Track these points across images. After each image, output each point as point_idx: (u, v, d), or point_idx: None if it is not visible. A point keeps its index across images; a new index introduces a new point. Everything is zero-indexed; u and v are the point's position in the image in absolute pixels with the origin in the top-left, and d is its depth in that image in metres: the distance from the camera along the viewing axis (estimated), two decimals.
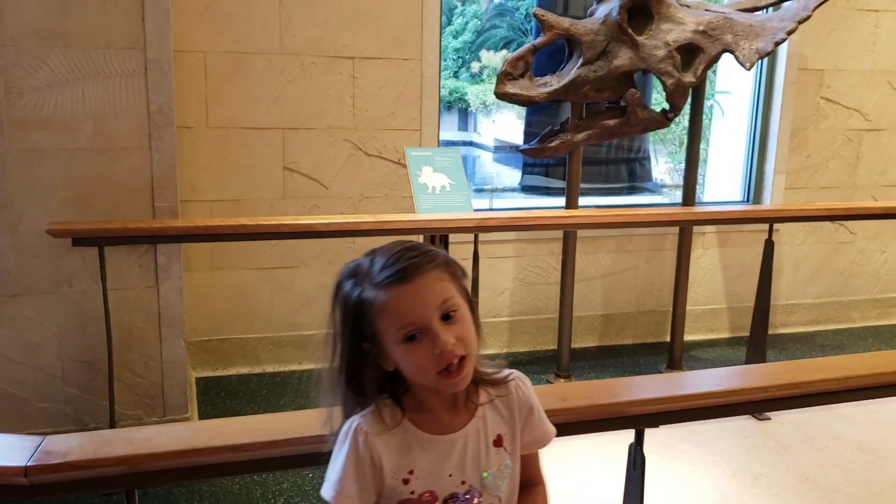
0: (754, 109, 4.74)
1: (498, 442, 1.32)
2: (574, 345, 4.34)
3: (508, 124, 9.86)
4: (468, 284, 1.32)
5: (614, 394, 1.61)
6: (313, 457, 1.44)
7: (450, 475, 1.28)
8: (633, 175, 4.96)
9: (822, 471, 3.30)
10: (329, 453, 1.31)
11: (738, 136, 4.85)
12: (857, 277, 5.07)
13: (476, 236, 3.48)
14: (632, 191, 4.97)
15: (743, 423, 3.73)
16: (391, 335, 1.22)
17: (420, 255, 1.25)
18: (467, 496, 1.29)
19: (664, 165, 6.71)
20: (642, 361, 4.49)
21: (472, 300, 1.30)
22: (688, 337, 4.61)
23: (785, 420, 3.77)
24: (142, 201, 3.07)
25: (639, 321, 4.71)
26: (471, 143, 10.44)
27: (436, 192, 3.60)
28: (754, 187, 4.78)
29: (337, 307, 1.27)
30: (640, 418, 1.60)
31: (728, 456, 3.40)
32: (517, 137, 9.40)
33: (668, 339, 4.60)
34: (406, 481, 1.27)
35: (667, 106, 3.72)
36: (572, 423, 1.55)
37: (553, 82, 3.53)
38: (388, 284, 1.22)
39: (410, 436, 1.28)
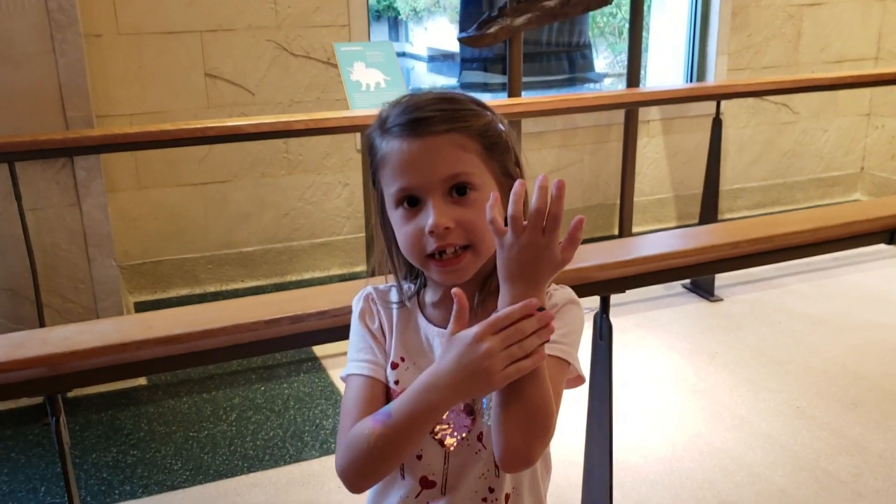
0: None
1: None
2: None
3: (441, 32, 9.55)
4: (520, 166, 1.08)
5: (579, 259, 1.50)
6: (254, 346, 1.31)
7: None
8: (574, 66, 4.81)
9: (777, 344, 3.30)
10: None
11: (679, 20, 4.71)
12: (801, 158, 5.06)
13: None
14: (573, 83, 4.83)
15: (696, 305, 3.71)
16: (388, 193, 1.04)
17: (448, 110, 1.02)
18: (452, 416, 1.07)
19: (604, 61, 6.56)
20: None
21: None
22: (635, 228, 4.56)
23: (737, 300, 3.77)
24: (51, 112, 2.82)
25: (586, 216, 4.60)
26: (403, 54, 10.12)
27: (370, 89, 3.41)
28: (697, 71, 4.68)
29: None
30: (606, 284, 1.50)
31: (683, 337, 3.38)
32: (451, 45, 9.11)
33: (616, 232, 4.56)
34: (395, 366, 1.09)
35: None
36: None
37: None
38: (397, 133, 1.02)
39: (414, 320, 1.11)
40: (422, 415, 0.94)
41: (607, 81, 5.20)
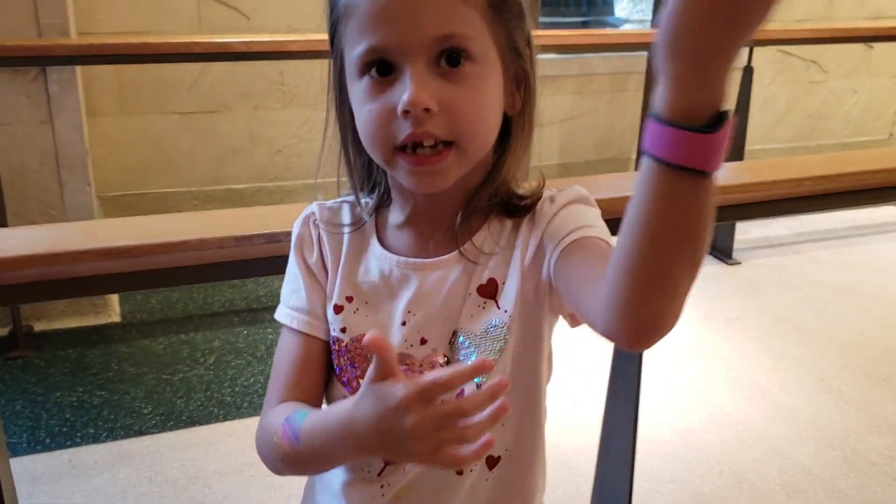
0: None
1: (487, 290, 0.81)
2: None
3: None
4: (531, 45, 0.80)
5: (611, 190, 1.26)
6: (220, 268, 1.07)
7: (403, 322, 0.82)
8: (592, 9, 4.53)
9: (798, 312, 3.09)
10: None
11: None
12: (827, 120, 4.79)
13: None
14: (592, 26, 4.53)
15: (713, 268, 3.49)
16: (351, 57, 0.75)
17: None
18: (420, 365, 0.81)
19: (623, 10, 6.24)
20: None
21: (524, 71, 0.79)
22: None
23: (755, 264, 3.54)
24: (22, 18, 2.56)
25: (599, 170, 4.38)
26: None
27: None
28: None
29: None
30: None
31: (699, 301, 3.16)
32: None
33: None
34: (338, 309, 0.84)
35: None
36: None
37: None
38: None
39: (366, 247, 0.86)
40: (330, 458, 0.75)
41: (627, 27, 4.91)
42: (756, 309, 3.10)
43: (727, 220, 1.39)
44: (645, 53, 3.74)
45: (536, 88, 0.81)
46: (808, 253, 3.67)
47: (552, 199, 0.81)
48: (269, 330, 2.84)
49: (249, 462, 2.12)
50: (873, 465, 2.18)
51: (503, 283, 0.80)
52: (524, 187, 0.84)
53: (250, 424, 2.29)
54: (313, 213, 0.88)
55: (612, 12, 4.64)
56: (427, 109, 0.71)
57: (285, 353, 0.85)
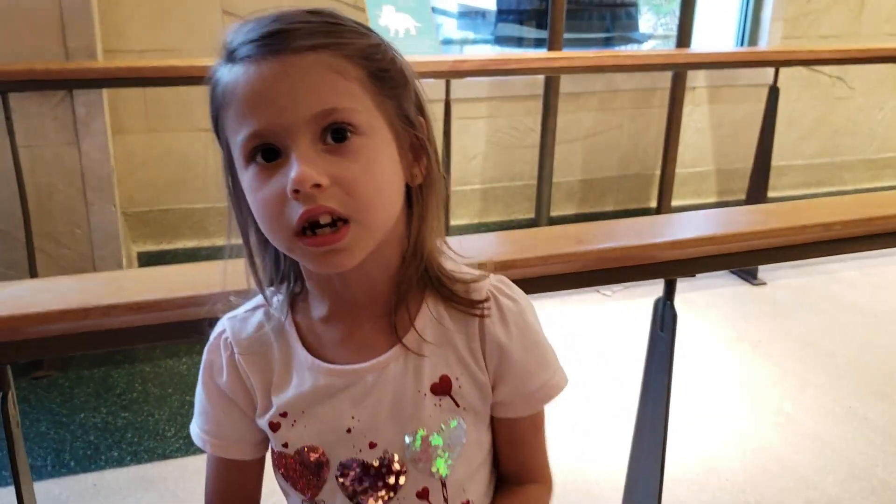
0: None
1: (441, 387, 0.79)
2: (551, 213, 4.01)
3: None
4: (424, 115, 0.79)
5: (644, 233, 1.25)
6: None
7: (348, 430, 0.79)
8: (616, 24, 4.51)
9: (825, 336, 3.05)
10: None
11: None
12: (853, 136, 4.74)
13: (448, 84, 3.05)
14: (616, 42, 4.52)
15: (737, 288, 3.46)
16: (235, 144, 0.73)
17: (319, 23, 0.73)
18: (375, 467, 0.80)
19: (645, 23, 6.22)
20: None
21: (420, 139, 0.77)
22: (674, 202, 4.29)
23: (781, 284, 3.50)
24: (50, 40, 2.58)
25: (621, 186, 4.36)
26: (432, 10, 9.71)
27: (399, 35, 3.16)
28: (749, 37, 4.36)
29: None
30: (676, 265, 1.25)
31: (723, 323, 3.13)
32: (482, 2, 8.74)
33: (652, 204, 4.30)
34: (275, 426, 0.81)
35: None
36: (589, 273, 1.20)
37: None
38: (245, 54, 0.72)
39: (292, 355, 0.82)
40: None
41: (651, 44, 4.88)
42: (781, 332, 3.07)
43: (756, 264, 1.37)
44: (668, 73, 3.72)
45: (438, 159, 0.79)
46: (835, 273, 3.62)
47: (502, 316, 0.81)
48: None
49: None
50: None
51: (456, 379, 0.80)
52: (450, 256, 0.83)
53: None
54: (224, 332, 0.85)
55: (636, 28, 4.62)
56: (318, 185, 0.68)
57: (210, 477, 0.88)
